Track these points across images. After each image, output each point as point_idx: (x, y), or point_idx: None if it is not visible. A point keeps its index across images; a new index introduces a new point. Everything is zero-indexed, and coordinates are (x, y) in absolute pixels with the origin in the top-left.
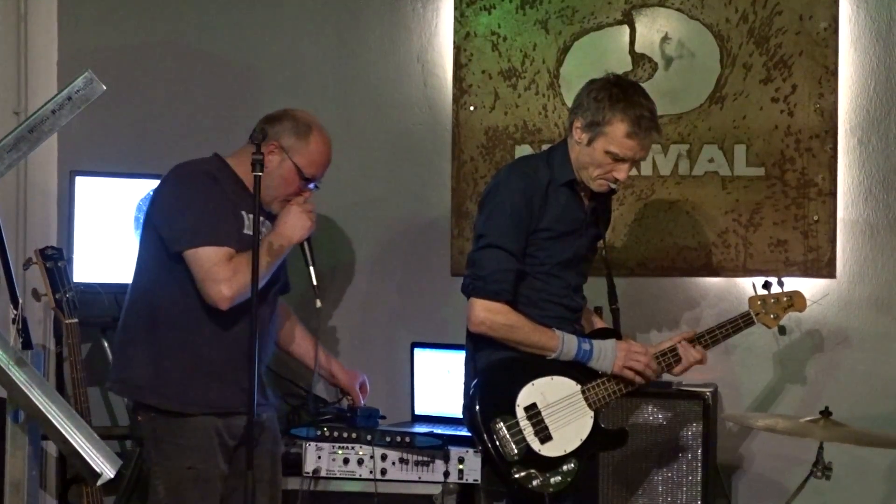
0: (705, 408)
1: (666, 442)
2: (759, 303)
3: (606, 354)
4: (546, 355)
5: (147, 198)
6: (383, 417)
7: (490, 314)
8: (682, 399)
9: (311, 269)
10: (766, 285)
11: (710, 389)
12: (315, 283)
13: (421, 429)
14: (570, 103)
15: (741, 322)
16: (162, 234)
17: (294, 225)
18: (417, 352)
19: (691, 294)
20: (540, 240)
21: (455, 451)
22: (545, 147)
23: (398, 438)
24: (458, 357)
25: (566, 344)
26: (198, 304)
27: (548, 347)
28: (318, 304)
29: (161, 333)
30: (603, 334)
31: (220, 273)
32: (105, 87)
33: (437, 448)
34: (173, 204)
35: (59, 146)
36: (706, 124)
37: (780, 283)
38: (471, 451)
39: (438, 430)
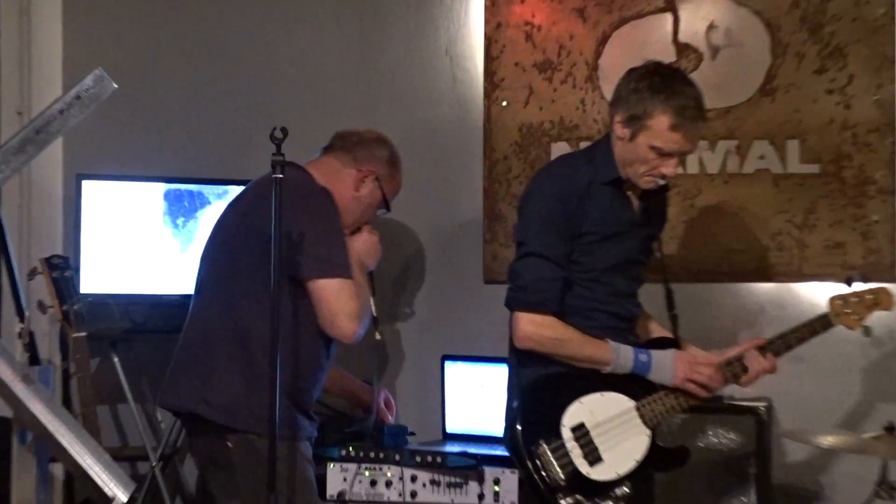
0: (759, 424)
1: (717, 461)
2: (839, 302)
3: (666, 366)
4: (600, 369)
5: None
6: (412, 435)
7: (536, 328)
8: (734, 414)
9: (372, 299)
10: (849, 281)
11: (765, 404)
12: (375, 314)
13: (453, 448)
14: (609, 97)
15: (818, 325)
16: (287, 256)
17: (370, 252)
18: (448, 365)
19: (742, 301)
20: (584, 244)
21: (490, 472)
22: (584, 144)
23: (429, 458)
24: (492, 370)
25: (621, 356)
26: (297, 332)
27: (601, 360)
28: (378, 336)
29: (258, 357)
30: (661, 344)
31: (354, 309)
32: (116, 86)
33: (471, 468)
34: (311, 226)
35: (64, 148)
36: (756, 118)
37: (864, 279)
38: (507, 471)
39: (472, 450)
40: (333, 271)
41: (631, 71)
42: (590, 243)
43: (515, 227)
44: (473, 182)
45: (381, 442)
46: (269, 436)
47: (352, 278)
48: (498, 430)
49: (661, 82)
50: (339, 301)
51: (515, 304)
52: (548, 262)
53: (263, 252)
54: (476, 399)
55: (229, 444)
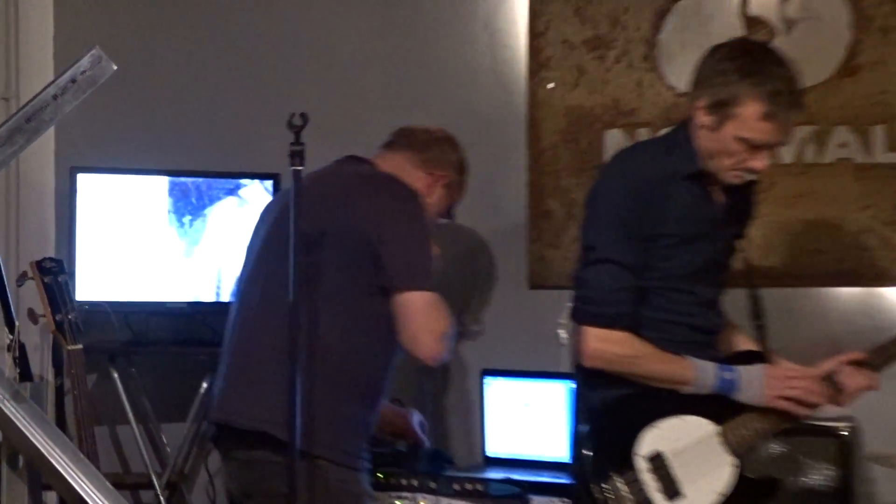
0: (843, 447)
1: (794, 489)
2: None
3: (754, 383)
4: (678, 389)
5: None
6: (450, 461)
7: (606, 345)
8: (813, 436)
9: None
10: None
11: (849, 424)
12: None
13: (495, 474)
14: (669, 77)
15: None
16: (375, 262)
17: None
18: (489, 381)
19: (823, 308)
20: (661, 248)
21: (537, 502)
22: (642, 132)
23: (468, 486)
24: (538, 387)
25: (703, 374)
26: (371, 347)
27: (680, 380)
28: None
29: (337, 375)
30: (746, 358)
31: (444, 328)
32: (116, 67)
33: (515, 497)
34: (405, 231)
35: (56, 138)
36: (836, 101)
37: None
38: (556, 500)
39: (516, 476)
40: (425, 283)
41: (716, 48)
42: (668, 246)
43: (582, 228)
44: (516, 175)
45: (415, 468)
46: (291, 461)
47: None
48: (545, 453)
49: (752, 63)
50: (428, 317)
51: (583, 317)
52: (621, 269)
53: (351, 257)
54: (520, 419)
55: (295, 469)
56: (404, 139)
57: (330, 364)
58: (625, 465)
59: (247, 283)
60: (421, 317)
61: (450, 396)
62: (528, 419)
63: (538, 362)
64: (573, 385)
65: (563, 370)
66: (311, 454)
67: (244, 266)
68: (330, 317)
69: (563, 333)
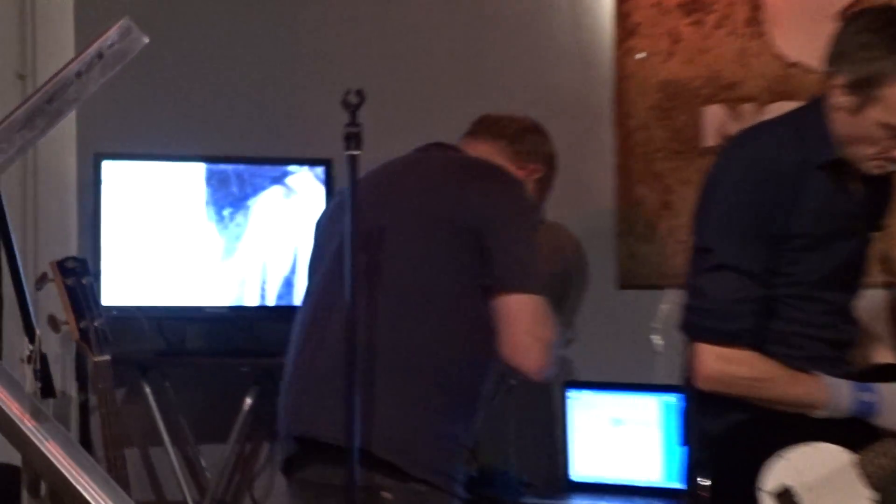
0: None
1: None
2: None
3: None
4: (809, 413)
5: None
6: (528, 485)
7: (727, 365)
8: None
9: None
10: None
11: None
12: None
13: (579, 501)
14: (777, 44)
15: None
16: (481, 257)
17: None
18: (573, 394)
19: None
20: (790, 250)
21: None
22: (747, 107)
23: None
24: (629, 402)
25: (837, 395)
26: (472, 354)
27: (812, 403)
28: (513, 382)
29: (430, 388)
30: (886, 373)
31: (550, 337)
32: (147, 40)
33: None
34: (516, 226)
35: (78, 122)
36: None
37: None
38: None
39: (604, 503)
40: (536, 285)
41: (856, 16)
42: (799, 248)
43: (696, 224)
44: (602, 158)
45: (489, 493)
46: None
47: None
48: (637, 477)
49: None
50: (535, 323)
51: (699, 333)
52: (744, 278)
53: (452, 252)
54: (608, 438)
55: (386, 494)
56: (491, 128)
57: (426, 373)
58: (748, 502)
59: (329, 280)
60: (529, 323)
61: (529, 412)
62: (617, 438)
63: (629, 373)
64: (681, 405)
65: (657, 382)
66: (409, 476)
67: (320, 260)
68: (423, 320)
69: (657, 340)
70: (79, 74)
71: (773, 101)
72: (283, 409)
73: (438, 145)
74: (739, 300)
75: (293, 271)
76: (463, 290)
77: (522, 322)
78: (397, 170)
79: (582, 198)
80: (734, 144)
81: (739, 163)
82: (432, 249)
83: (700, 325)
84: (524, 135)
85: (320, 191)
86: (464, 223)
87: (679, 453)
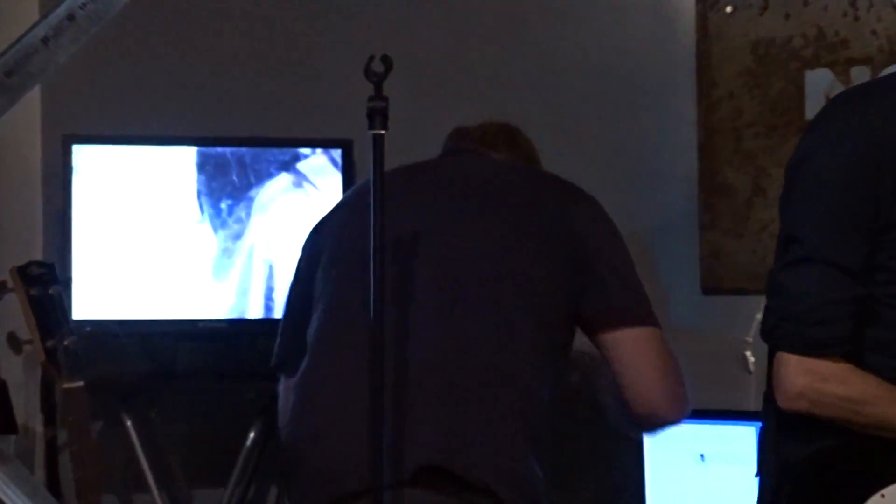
0: None
1: None
2: None
3: None
4: None
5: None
6: None
7: (815, 381)
8: None
9: None
10: None
11: None
12: None
13: None
14: None
15: None
16: (579, 284)
17: None
18: None
19: None
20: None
21: None
22: (857, 71)
23: None
24: (717, 432)
25: None
26: (554, 395)
27: None
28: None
29: (531, 422)
30: None
31: (681, 373)
32: None
33: None
34: (615, 249)
35: (43, 99)
36: None
37: None
38: None
39: None
40: (653, 317)
41: None
42: None
43: (782, 209)
44: (681, 134)
45: None
46: None
47: None
48: None
49: None
50: (663, 359)
51: (781, 340)
52: (839, 273)
53: (551, 278)
54: (692, 477)
55: None
56: (506, 141)
57: (535, 397)
58: None
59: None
60: (657, 360)
61: (599, 445)
62: (702, 477)
63: (716, 397)
64: (760, 428)
65: (751, 409)
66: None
67: (349, 265)
68: (527, 348)
69: (750, 357)
70: (45, 41)
71: (889, 63)
72: (321, 438)
73: (471, 151)
74: (832, 301)
75: None
76: (556, 325)
77: (650, 359)
78: (449, 176)
79: (658, 183)
80: (832, 112)
81: (839, 134)
82: (527, 270)
83: (782, 330)
84: (534, 151)
85: (337, 179)
86: (562, 245)
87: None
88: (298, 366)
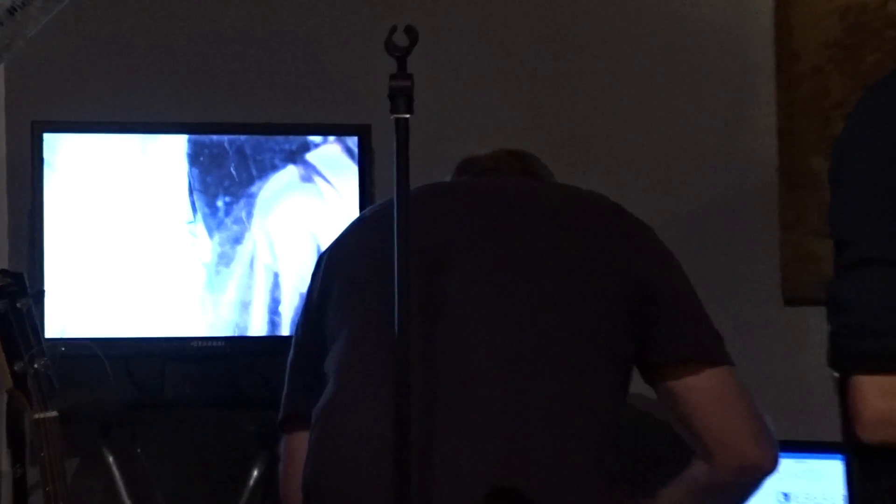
0: None
1: None
2: None
3: None
4: None
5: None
6: None
7: (894, 402)
8: None
9: None
10: None
11: None
12: None
13: None
14: None
15: None
16: (640, 319)
17: None
18: None
19: None
20: None
21: None
22: None
23: None
24: (803, 467)
25: None
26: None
27: None
28: None
29: (609, 461)
30: None
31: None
32: None
33: None
34: (680, 282)
35: (7, 80)
36: None
37: None
38: None
39: None
40: (727, 354)
41: None
42: None
43: (830, 212)
44: (758, 118)
45: None
46: None
47: None
48: None
49: None
50: (744, 400)
51: (848, 361)
52: None
53: (595, 310)
54: None
55: None
56: (522, 170)
57: (590, 429)
58: None
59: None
60: (741, 401)
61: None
62: None
63: (800, 427)
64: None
65: (840, 439)
66: None
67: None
68: (599, 381)
69: None
70: (11, 11)
71: None
72: (356, 474)
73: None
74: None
75: None
76: (623, 360)
77: (732, 402)
78: (494, 193)
79: (731, 176)
80: (879, 86)
81: (880, 109)
82: (588, 300)
83: (848, 350)
84: (551, 178)
85: (353, 172)
86: (618, 278)
87: None
88: (310, 418)
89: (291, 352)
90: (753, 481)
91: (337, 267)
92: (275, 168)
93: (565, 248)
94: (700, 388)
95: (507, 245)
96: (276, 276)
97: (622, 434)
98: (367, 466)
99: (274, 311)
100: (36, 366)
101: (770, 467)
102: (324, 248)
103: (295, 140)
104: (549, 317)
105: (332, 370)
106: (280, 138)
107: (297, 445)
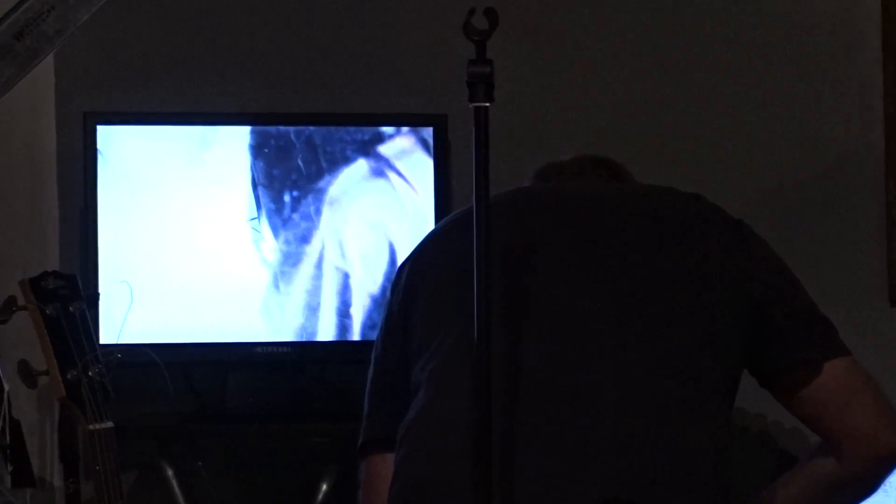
0: None
1: None
2: None
3: None
4: None
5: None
6: None
7: None
8: None
9: None
10: None
11: None
12: None
13: None
14: None
15: None
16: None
17: None
18: None
19: None
20: None
21: None
22: None
23: None
24: None
25: None
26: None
27: None
28: None
29: (722, 477)
30: None
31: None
32: None
33: None
34: (790, 280)
35: (58, 70)
36: None
37: None
38: None
39: None
40: (844, 344)
41: None
42: None
43: None
44: (864, 104)
45: None
46: None
47: None
48: None
49: None
50: (873, 388)
51: None
52: None
53: (724, 315)
54: None
55: None
56: (608, 175)
57: (702, 443)
58: None
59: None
60: (868, 387)
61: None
62: None
63: None
64: None
65: None
66: None
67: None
68: (707, 389)
69: None
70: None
71: None
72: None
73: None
74: None
75: None
76: (731, 365)
77: (862, 391)
78: (588, 198)
79: (832, 169)
80: None
81: None
82: (699, 309)
83: None
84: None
85: (428, 165)
86: (736, 286)
87: None
88: (394, 439)
89: (371, 369)
90: (887, 471)
91: (420, 277)
92: (346, 160)
93: (672, 255)
94: (827, 386)
95: (610, 252)
96: (346, 277)
97: (731, 447)
98: (463, 484)
99: (344, 315)
100: (90, 374)
101: (888, 462)
102: (397, 246)
103: (367, 131)
104: (661, 327)
105: (422, 381)
106: (350, 129)
107: (380, 470)
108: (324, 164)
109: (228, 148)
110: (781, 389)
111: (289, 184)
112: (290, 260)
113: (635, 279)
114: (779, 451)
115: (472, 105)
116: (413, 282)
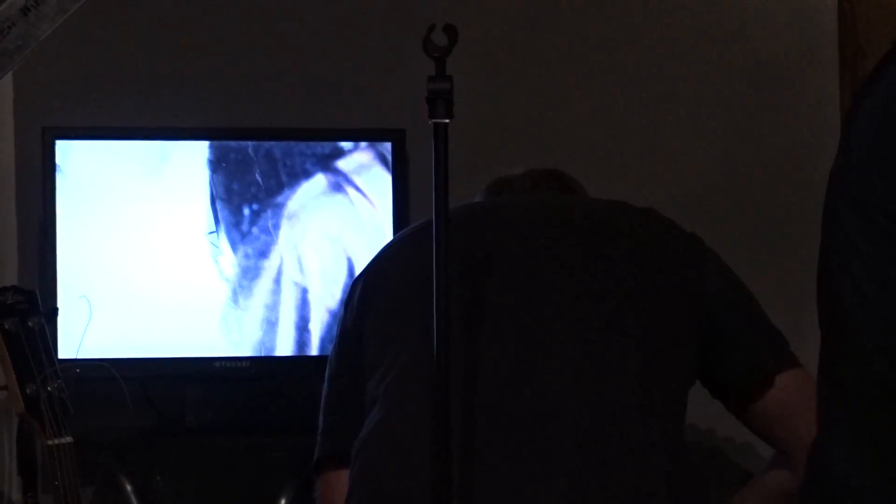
0: None
1: None
2: None
3: None
4: None
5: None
6: None
7: None
8: None
9: None
10: None
11: None
12: None
13: None
14: None
15: None
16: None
17: None
18: None
19: None
20: None
21: None
22: None
23: None
24: None
25: None
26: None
27: None
28: None
29: (675, 491)
30: None
31: None
32: None
33: None
34: (742, 291)
35: (15, 85)
36: None
37: None
38: None
39: None
40: (795, 358)
41: None
42: None
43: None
44: (821, 119)
45: None
46: None
47: None
48: None
49: None
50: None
51: None
52: None
53: (676, 331)
54: None
55: None
56: (560, 188)
57: (659, 453)
58: None
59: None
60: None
61: None
62: None
63: None
64: None
65: None
66: None
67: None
68: (666, 400)
69: None
70: (24, 11)
71: None
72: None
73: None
74: None
75: None
76: (687, 379)
77: (812, 404)
78: (543, 211)
79: (791, 183)
80: None
81: None
82: (651, 324)
83: None
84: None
85: (386, 180)
86: (691, 298)
87: None
88: (349, 457)
89: (326, 385)
90: None
91: (374, 292)
92: (306, 174)
93: (627, 267)
94: (780, 397)
95: (566, 265)
96: (304, 292)
97: (689, 461)
98: (421, 498)
99: (302, 330)
100: (49, 388)
101: None
102: (355, 261)
103: (325, 146)
104: (617, 340)
105: (378, 395)
106: (309, 144)
107: (336, 486)
108: (283, 179)
109: (187, 162)
110: (734, 401)
111: (248, 198)
112: (249, 274)
113: (591, 292)
114: (732, 465)
115: (431, 121)
116: (366, 297)
